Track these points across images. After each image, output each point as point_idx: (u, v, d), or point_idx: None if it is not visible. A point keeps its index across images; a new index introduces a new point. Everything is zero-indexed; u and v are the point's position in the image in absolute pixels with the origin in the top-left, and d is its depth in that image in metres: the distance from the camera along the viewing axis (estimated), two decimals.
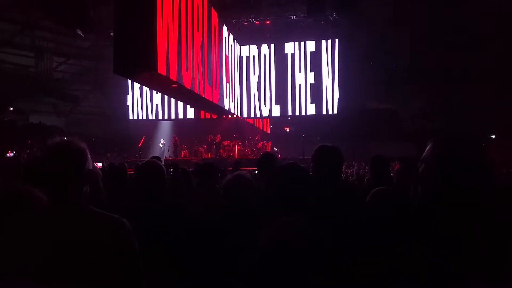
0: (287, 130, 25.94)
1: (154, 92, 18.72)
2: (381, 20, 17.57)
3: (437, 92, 20.84)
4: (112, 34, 9.74)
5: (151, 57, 8.80)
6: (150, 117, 19.59)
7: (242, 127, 21.95)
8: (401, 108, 22.66)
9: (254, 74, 19.58)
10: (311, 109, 18.56)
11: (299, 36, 18.21)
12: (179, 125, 21.87)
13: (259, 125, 25.45)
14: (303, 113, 18.68)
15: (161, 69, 9.33)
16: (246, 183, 2.20)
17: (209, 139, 19.94)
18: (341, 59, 18.30)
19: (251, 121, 23.01)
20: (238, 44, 18.82)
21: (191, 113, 19.41)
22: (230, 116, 19.27)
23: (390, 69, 20.30)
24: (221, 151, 20.02)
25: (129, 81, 18.17)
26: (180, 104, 18.93)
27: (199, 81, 12.29)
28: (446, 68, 19.84)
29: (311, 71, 18.61)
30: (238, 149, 20.00)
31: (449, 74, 20.03)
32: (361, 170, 10.93)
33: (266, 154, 3.02)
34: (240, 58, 19.52)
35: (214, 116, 19.12)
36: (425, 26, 17.87)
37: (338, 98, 18.40)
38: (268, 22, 17.59)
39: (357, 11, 14.39)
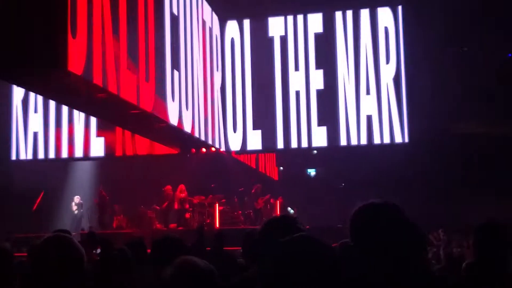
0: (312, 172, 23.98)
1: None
2: None
3: None
4: None
5: (57, 46, 9.31)
6: (50, 156, 19.28)
7: (228, 171, 21.76)
8: None
9: (254, 73, 19.74)
10: (364, 137, 18.72)
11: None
12: (109, 169, 21.63)
13: (259, 166, 25.37)
14: (354, 142, 18.74)
15: (73, 67, 9.86)
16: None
17: (166, 194, 19.57)
18: (410, 45, 18.69)
19: (243, 159, 23.05)
20: (220, 21, 19.65)
21: (132, 147, 19.52)
22: (204, 150, 19.19)
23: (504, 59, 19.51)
24: (187, 215, 19.78)
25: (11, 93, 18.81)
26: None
27: (141, 89, 12.93)
28: None
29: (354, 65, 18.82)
30: (220, 210, 19.75)
31: None
32: (455, 248, 11.46)
33: (275, 220, 2.89)
34: (232, 45, 19.92)
35: (174, 152, 19.25)
36: None
37: (408, 117, 18.52)
38: None
39: None
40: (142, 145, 19.21)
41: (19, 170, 19.24)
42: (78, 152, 19.01)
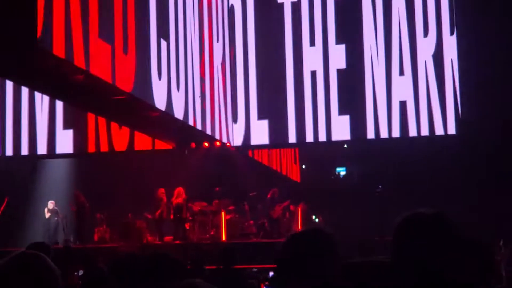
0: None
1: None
2: None
3: None
4: None
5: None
6: (7, 153, 19.49)
7: (236, 171, 21.76)
8: None
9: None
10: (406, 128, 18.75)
11: None
12: (88, 168, 21.97)
13: (275, 165, 25.36)
14: (384, 134, 18.75)
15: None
16: None
17: (160, 199, 19.77)
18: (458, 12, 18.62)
19: (257, 157, 23.22)
20: None
21: (120, 141, 19.52)
22: (206, 145, 19.40)
23: None
24: (186, 226, 19.96)
25: None
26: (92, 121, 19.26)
27: (118, 63, 12.80)
28: None
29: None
30: (227, 220, 19.97)
31: None
32: None
33: (302, 235, 3.04)
34: (232, 13, 19.86)
35: (168, 147, 19.53)
36: None
37: (459, 104, 18.55)
38: None
39: None
40: (121, 140, 19.33)
41: None
42: (41, 148, 19.16)
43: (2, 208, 18.74)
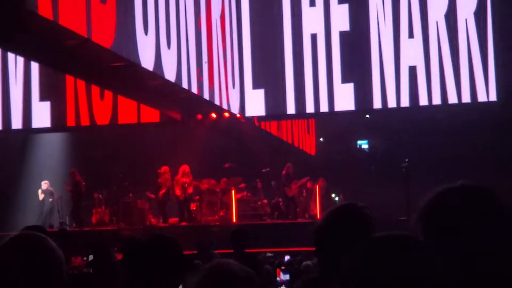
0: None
1: None
2: None
3: None
4: None
5: None
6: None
7: (247, 145, 22.14)
8: None
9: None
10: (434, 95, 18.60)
11: None
12: (84, 143, 21.95)
13: (287, 136, 25.45)
14: (392, 103, 18.78)
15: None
16: None
17: (163, 178, 19.71)
18: None
19: (269, 128, 23.25)
20: None
21: (123, 114, 19.33)
22: (214, 116, 19.37)
23: None
24: (192, 206, 20.07)
25: None
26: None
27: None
28: None
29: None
30: (237, 199, 20.07)
31: None
32: None
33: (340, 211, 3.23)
34: None
35: (176, 117, 19.16)
36: None
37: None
38: None
39: None
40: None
41: None
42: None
43: None
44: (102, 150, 21.01)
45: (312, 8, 18.70)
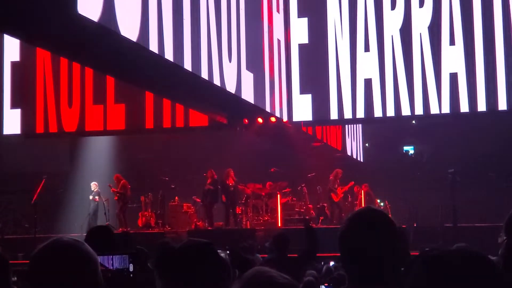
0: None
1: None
2: None
3: None
4: None
5: None
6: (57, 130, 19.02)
7: (293, 150, 21.69)
8: None
9: None
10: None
11: None
12: (129, 148, 21.86)
13: (332, 141, 24.65)
14: (435, 110, 17.74)
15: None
16: None
17: (210, 181, 19.69)
18: None
19: (315, 133, 22.54)
20: None
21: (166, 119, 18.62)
22: (261, 121, 18.90)
23: None
24: (237, 210, 20.15)
25: None
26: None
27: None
28: None
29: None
30: (282, 203, 20.15)
31: None
32: None
33: (358, 216, 3.04)
34: None
35: (223, 120, 18.80)
36: None
37: None
38: None
39: None
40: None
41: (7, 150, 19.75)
42: None
43: (38, 190, 18.85)
44: (149, 153, 21.21)
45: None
